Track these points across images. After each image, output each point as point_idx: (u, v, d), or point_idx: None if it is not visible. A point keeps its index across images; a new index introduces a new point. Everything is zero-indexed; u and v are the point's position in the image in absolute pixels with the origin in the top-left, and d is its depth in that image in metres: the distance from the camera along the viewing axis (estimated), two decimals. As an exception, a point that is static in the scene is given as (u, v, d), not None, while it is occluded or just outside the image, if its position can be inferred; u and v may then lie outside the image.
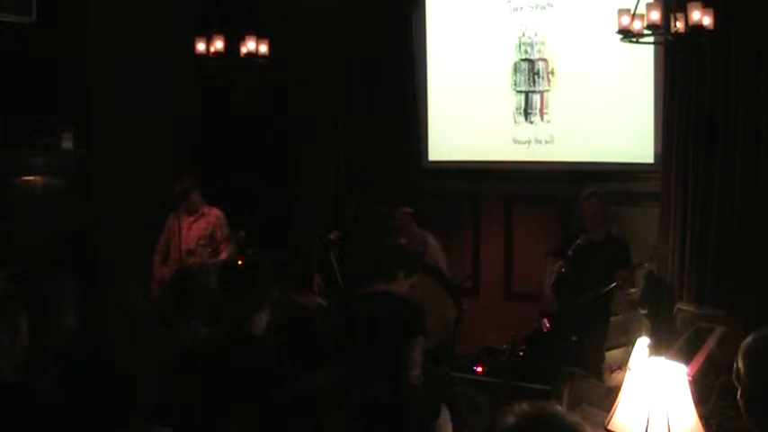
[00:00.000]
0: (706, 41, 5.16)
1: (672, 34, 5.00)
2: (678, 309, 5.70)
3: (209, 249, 6.37)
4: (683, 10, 4.91)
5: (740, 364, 2.28)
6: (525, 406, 1.83)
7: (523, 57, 7.03)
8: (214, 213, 6.50)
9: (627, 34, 4.99)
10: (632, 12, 4.95)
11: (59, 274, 3.76)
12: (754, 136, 5.81)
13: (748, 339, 2.30)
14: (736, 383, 2.30)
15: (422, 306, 4.27)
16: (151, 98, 7.39)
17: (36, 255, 5.79)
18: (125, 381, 2.38)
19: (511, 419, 1.81)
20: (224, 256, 6.31)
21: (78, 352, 2.72)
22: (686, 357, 4.45)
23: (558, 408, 1.87)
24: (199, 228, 6.44)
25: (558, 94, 6.89)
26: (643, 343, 3.83)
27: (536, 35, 6.97)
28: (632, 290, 5.75)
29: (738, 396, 2.29)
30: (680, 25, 4.91)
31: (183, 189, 6.39)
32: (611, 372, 5.35)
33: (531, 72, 7.00)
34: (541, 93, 6.95)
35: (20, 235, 6.41)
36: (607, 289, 5.57)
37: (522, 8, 7.04)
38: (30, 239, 6.36)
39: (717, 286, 5.91)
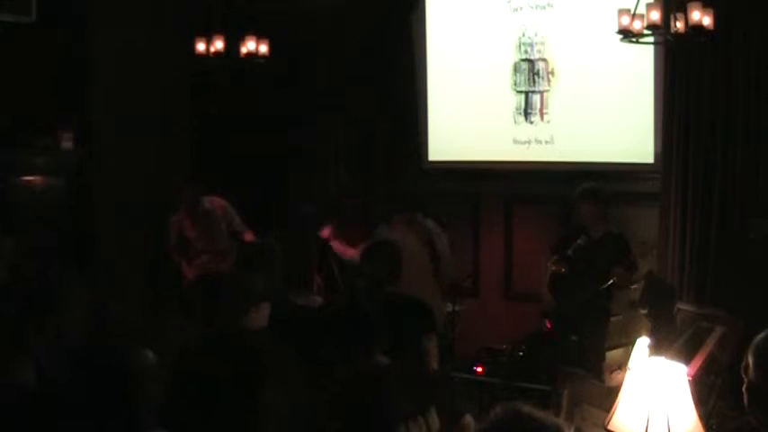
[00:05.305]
0: (706, 41, 5.16)
1: (672, 34, 4.99)
2: (678, 309, 5.69)
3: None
4: (683, 10, 4.90)
5: (749, 359, 2.30)
6: (499, 408, 1.86)
7: (523, 57, 7.03)
8: (219, 206, 6.65)
9: (627, 34, 4.99)
10: (632, 12, 4.94)
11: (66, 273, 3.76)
12: (754, 136, 5.81)
13: (762, 335, 2.32)
14: (743, 376, 2.33)
15: (432, 306, 4.40)
16: (151, 98, 7.39)
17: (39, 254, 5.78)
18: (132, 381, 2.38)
19: (485, 424, 1.85)
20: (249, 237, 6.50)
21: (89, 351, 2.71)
22: (686, 357, 4.44)
23: (531, 408, 1.89)
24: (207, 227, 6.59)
25: (558, 94, 6.89)
26: (643, 343, 3.84)
27: (536, 35, 6.97)
28: (633, 286, 5.74)
29: (744, 388, 2.32)
30: (680, 25, 4.91)
31: (192, 194, 6.55)
32: (611, 372, 5.35)
33: (531, 72, 7.00)
34: (541, 93, 6.95)
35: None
36: (604, 286, 5.57)
37: (522, 8, 7.04)
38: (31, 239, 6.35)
39: (717, 286, 5.90)
